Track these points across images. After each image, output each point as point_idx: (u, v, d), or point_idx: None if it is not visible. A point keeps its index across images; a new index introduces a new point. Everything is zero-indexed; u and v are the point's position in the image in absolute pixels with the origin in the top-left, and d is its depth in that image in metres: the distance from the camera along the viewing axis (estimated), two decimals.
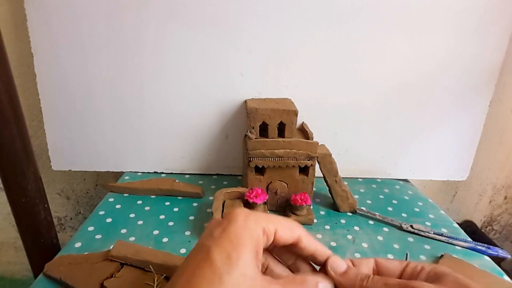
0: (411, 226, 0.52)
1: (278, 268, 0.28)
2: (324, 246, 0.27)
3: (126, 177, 0.62)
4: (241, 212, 0.25)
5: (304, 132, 0.55)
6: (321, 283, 0.26)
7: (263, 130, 0.52)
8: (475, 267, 0.44)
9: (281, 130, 0.52)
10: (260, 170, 0.53)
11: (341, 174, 0.55)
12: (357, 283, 0.25)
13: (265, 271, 0.27)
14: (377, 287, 0.25)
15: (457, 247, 0.49)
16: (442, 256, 0.46)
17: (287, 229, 0.26)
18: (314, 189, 0.56)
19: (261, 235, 0.24)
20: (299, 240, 0.26)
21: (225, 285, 0.21)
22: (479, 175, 0.82)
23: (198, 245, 0.24)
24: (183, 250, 0.45)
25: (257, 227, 0.24)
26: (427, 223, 0.54)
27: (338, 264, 0.27)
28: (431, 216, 0.57)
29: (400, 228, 0.52)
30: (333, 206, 0.57)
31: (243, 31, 0.54)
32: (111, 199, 0.56)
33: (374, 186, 0.64)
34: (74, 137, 0.60)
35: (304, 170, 0.53)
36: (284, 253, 0.28)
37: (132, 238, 0.47)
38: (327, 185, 0.55)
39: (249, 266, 0.23)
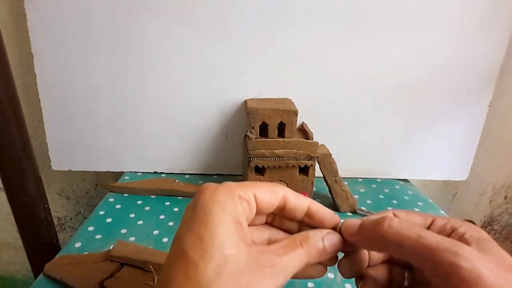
0: None
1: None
2: (321, 206, 0.25)
3: (126, 177, 0.62)
4: (208, 186, 0.22)
5: (304, 132, 0.55)
6: (326, 237, 0.23)
7: (263, 130, 0.52)
8: None
9: (281, 130, 0.52)
10: (260, 170, 0.53)
11: (341, 174, 0.55)
12: (376, 229, 0.22)
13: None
14: (408, 236, 0.20)
15: None
16: None
17: (268, 191, 0.23)
18: (314, 189, 0.56)
19: (237, 204, 0.21)
20: (286, 200, 0.24)
21: (204, 273, 0.18)
22: (479, 175, 0.82)
23: (174, 236, 0.21)
24: None
25: (229, 197, 0.21)
26: None
27: (349, 224, 0.24)
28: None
29: None
30: (333, 206, 0.57)
31: (243, 31, 0.54)
32: (111, 199, 0.56)
33: (374, 186, 0.64)
34: (74, 137, 0.60)
35: (304, 170, 0.53)
36: (285, 223, 0.26)
37: (132, 238, 0.47)
38: (327, 185, 0.55)
39: (229, 243, 0.19)
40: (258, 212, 0.23)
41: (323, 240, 0.23)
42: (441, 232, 0.22)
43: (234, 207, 0.21)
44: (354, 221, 0.24)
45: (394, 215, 0.25)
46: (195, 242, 0.19)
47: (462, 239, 0.21)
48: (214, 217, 0.20)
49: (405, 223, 0.21)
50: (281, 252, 0.21)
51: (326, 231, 0.24)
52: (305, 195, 0.51)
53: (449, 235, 0.22)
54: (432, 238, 0.20)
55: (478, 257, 0.18)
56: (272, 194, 0.23)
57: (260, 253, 0.20)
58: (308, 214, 0.25)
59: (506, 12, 0.55)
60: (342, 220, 0.25)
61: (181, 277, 0.18)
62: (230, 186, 0.22)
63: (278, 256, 0.21)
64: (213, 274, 0.18)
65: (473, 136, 0.63)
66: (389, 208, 0.58)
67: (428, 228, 0.23)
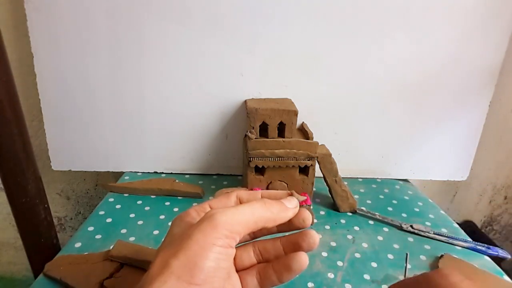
0: (411, 226, 0.52)
1: None
2: (271, 190, 0.30)
3: (126, 177, 0.62)
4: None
5: (304, 132, 0.55)
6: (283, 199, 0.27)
7: (263, 130, 0.52)
8: (475, 267, 0.44)
9: (281, 130, 0.52)
10: (260, 170, 0.53)
11: (341, 174, 0.55)
12: None
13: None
14: None
15: (457, 247, 0.49)
16: (442, 256, 0.46)
17: (222, 198, 0.27)
18: (314, 189, 0.56)
19: (193, 214, 0.26)
20: (240, 198, 0.28)
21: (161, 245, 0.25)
22: (479, 175, 0.82)
23: None
24: None
25: (185, 212, 0.27)
26: (427, 223, 0.54)
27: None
28: (431, 216, 0.57)
29: (400, 228, 0.52)
30: (333, 206, 0.57)
31: (243, 31, 0.54)
32: (111, 199, 0.56)
33: (374, 186, 0.64)
34: (74, 137, 0.60)
35: (304, 170, 0.53)
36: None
37: (132, 238, 0.47)
38: (327, 185, 0.55)
39: (177, 229, 0.26)
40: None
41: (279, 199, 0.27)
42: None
43: (188, 217, 0.26)
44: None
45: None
46: (159, 245, 0.26)
47: None
48: (172, 226, 0.27)
49: None
50: (229, 207, 0.24)
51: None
52: (305, 195, 0.52)
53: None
54: None
55: None
56: (225, 197, 0.28)
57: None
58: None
59: (506, 12, 0.55)
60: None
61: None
62: (188, 209, 0.27)
63: (222, 208, 0.24)
64: (161, 246, 0.25)
65: (473, 136, 0.63)
66: (389, 208, 0.58)
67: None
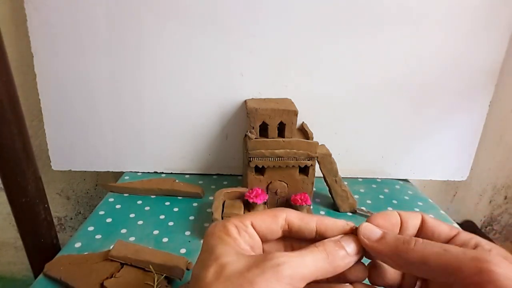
0: None
1: None
2: (329, 218, 0.25)
3: (126, 177, 0.62)
4: (210, 225, 0.24)
5: (304, 132, 0.55)
6: (343, 239, 0.23)
7: (263, 130, 0.52)
8: None
9: (281, 130, 0.52)
10: (260, 170, 0.53)
11: (341, 174, 0.55)
12: (400, 246, 0.21)
13: None
14: (433, 251, 0.20)
15: None
16: None
17: (267, 217, 0.24)
18: (314, 189, 0.56)
19: (232, 231, 0.23)
20: (290, 224, 0.24)
21: (205, 280, 0.20)
22: (479, 175, 0.82)
23: None
24: (183, 250, 0.45)
25: (222, 227, 0.23)
26: None
27: (371, 230, 0.23)
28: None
29: None
30: (333, 206, 0.57)
31: (243, 31, 0.54)
32: (111, 199, 0.56)
33: (374, 186, 0.64)
34: (74, 137, 0.60)
35: (304, 170, 0.53)
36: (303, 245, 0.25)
37: (132, 238, 0.47)
38: (327, 185, 0.55)
39: (224, 255, 0.21)
40: (263, 239, 0.24)
41: (340, 241, 0.23)
42: (464, 245, 0.22)
43: (227, 232, 0.23)
44: (374, 228, 0.23)
45: (423, 217, 0.25)
46: (198, 264, 0.22)
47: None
48: (211, 244, 0.23)
49: (428, 241, 0.21)
50: (292, 254, 0.21)
51: (341, 235, 0.24)
52: (305, 195, 0.51)
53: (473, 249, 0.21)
54: (458, 249, 0.19)
55: (508, 264, 0.17)
56: (272, 219, 0.24)
57: (265, 255, 0.21)
58: (319, 232, 0.24)
59: (506, 12, 0.55)
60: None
61: None
62: (228, 219, 0.24)
63: (286, 255, 0.21)
64: (212, 278, 0.20)
65: (473, 136, 0.63)
66: (389, 208, 0.58)
67: (451, 239, 0.23)
